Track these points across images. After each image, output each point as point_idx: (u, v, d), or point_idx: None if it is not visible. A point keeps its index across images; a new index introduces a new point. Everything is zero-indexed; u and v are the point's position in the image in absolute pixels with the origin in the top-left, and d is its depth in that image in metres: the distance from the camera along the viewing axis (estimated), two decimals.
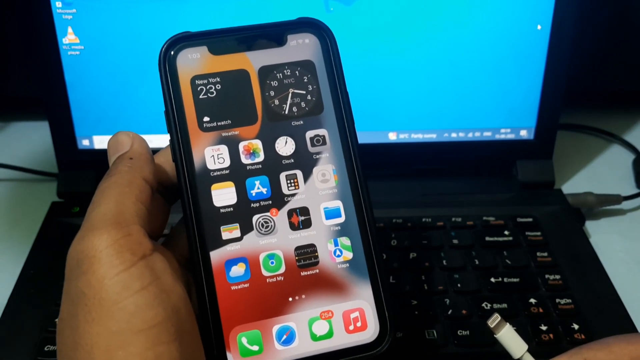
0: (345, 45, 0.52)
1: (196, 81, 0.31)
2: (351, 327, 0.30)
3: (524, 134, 0.56)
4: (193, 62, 0.32)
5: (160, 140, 0.53)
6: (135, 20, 0.50)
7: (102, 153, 0.54)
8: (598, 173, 0.62)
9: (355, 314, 0.31)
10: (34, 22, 0.50)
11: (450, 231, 0.51)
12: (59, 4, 0.50)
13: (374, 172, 0.48)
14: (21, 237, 0.54)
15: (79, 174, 0.56)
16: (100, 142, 0.55)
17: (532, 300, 0.45)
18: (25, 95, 0.67)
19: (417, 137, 0.55)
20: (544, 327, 0.43)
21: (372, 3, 0.51)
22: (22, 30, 0.51)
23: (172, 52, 0.31)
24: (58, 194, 0.56)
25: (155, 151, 0.32)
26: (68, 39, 0.51)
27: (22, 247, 0.51)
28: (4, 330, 0.44)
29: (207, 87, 0.31)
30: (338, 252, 0.31)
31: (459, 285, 0.46)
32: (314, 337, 0.30)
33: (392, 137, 0.55)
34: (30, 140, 0.66)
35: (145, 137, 0.54)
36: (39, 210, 0.55)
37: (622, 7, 0.62)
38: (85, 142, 0.55)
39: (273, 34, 0.32)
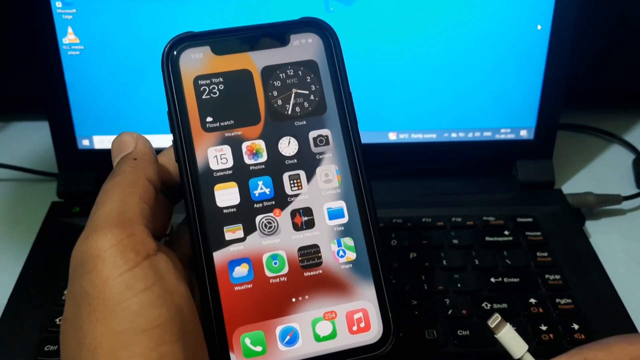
0: (345, 45, 0.51)
1: (199, 81, 0.31)
2: (355, 328, 0.30)
3: (524, 134, 0.56)
4: (196, 62, 0.31)
5: (160, 140, 0.53)
6: (135, 20, 0.50)
7: (102, 153, 0.55)
8: (598, 173, 0.62)
9: (358, 315, 0.31)
10: (34, 22, 0.50)
11: (450, 231, 0.51)
12: (59, 4, 0.50)
13: (374, 172, 0.48)
14: (21, 237, 0.54)
15: (79, 174, 0.56)
16: (100, 142, 0.55)
17: (532, 300, 0.45)
18: (25, 95, 0.67)
19: (417, 137, 0.55)
20: (544, 327, 0.43)
21: (372, 3, 0.51)
22: (22, 30, 0.51)
23: (175, 52, 0.31)
24: (58, 194, 0.56)
25: (157, 151, 0.32)
26: (68, 39, 0.51)
27: (22, 247, 0.51)
28: (4, 330, 0.44)
29: (210, 87, 0.31)
30: (341, 253, 0.31)
31: (459, 285, 0.46)
32: (318, 338, 0.30)
33: (392, 137, 0.55)
34: (30, 140, 0.66)
35: (146, 137, 0.54)
36: (39, 210, 0.55)
37: (622, 7, 0.62)
38: (85, 142, 0.55)
39: (276, 34, 0.32)
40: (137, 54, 0.51)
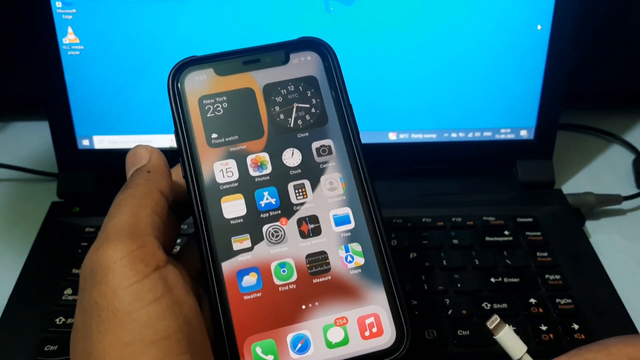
0: (345, 45, 0.52)
1: (204, 101, 0.32)
2: (367, 333, 0.30)
3: (524, 134, 0.56)
4: (200, 83, 0.33)
5: (159, 140, 0.53)
6: (135, 20, 0.50)
7: (102, 153, 0.55)
8: (598, 173, 0.62)
9: (370, 320, 0.30)
10: (34, 22, 0.50)
11: (450, 231, 0.51)
12: (59, 4, 0.50)
13: (373, 172, 0.48)
14: (21, 237, 0.54)
15: (79, 174, 0.56)
16: (100, 142, 0.55)
17: (532, 300, 0.45)
18: (25, 95, 0.67)
19: (417, 137, 0.55)
20: (544, 327, 0.43)
21: (372, 3, 0.51)
22: (22, 30, 0.51)
23: (180, 76, 0.33)
24: (58, 194, 0.56)
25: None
26: (68, 39, 0.51)
27: (22, 247, 0.51)
28: (4, 330, 0.44)
29: (215, 106, 0.32)
30: (349, 258, 0.31)
31: (459, 285, 0.46)
32: (329, 345, 0.30)
33: (392, 137, 0.55)
34: (30, 140, 0.66)
35: (145, 137, 0.54)
36: (39, 210, 0.55)
37: (622, 7, 0.62)
38: (85, 142, 0.55)
39: (276, 54, 0.33)
40: (137, 54, 0.51)
